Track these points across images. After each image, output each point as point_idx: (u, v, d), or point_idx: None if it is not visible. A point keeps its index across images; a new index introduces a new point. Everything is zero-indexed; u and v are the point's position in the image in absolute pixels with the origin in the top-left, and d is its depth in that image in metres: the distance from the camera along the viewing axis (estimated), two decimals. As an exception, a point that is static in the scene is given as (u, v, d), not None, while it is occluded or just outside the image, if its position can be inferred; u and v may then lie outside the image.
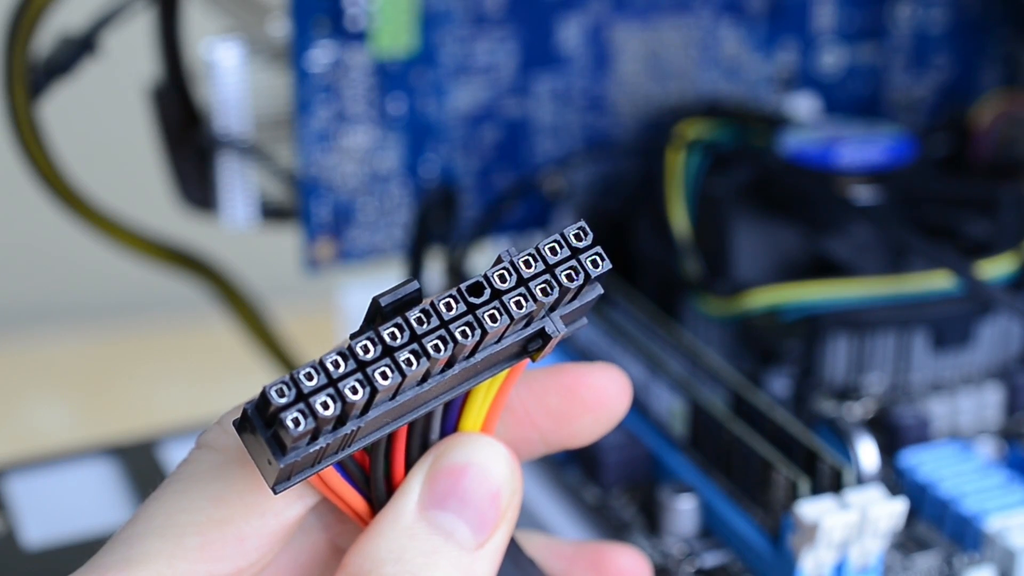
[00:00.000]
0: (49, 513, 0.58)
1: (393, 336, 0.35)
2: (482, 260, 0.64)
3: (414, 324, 0.35)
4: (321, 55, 0.60)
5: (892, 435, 0.54)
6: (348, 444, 0.36)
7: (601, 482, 0.55)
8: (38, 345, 1.55)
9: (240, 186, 0.62)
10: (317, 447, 0.35)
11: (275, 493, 0.36)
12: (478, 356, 0.36)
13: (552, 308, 0.37)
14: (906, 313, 0.56)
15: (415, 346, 0.35)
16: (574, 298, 0.37)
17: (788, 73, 0.68)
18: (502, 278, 0.36)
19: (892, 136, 0.61)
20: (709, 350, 0.58)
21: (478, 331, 0.35)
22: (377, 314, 0.36)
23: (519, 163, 0.65)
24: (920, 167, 0.61)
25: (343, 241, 0.63)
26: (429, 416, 0.39)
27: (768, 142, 0.62)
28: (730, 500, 0.52)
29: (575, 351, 0.60)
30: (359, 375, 0.34)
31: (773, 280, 0.57)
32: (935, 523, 0.51)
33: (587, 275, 0.36)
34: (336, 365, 0.34)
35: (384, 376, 0.35)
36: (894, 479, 0.53)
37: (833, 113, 0.69)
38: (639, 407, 0.56)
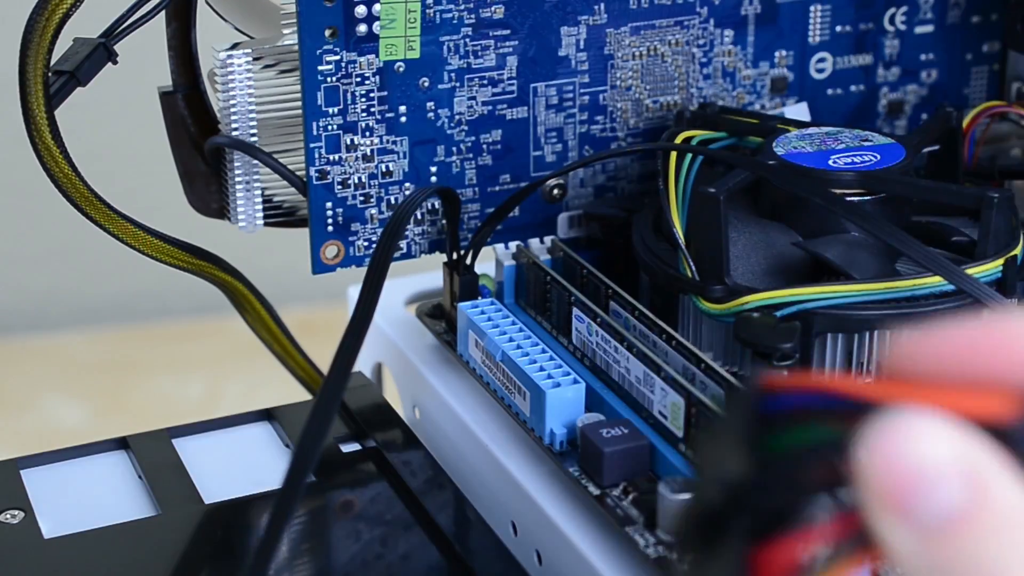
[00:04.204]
0: (66, 505, 0.60)
1: None
2: (482, 264, 0.65)
3: None
4: (329, 60, 0.61)
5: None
6: None
7: (601, 479, 0.55)
8: (56, 342, 1.56)
9: (249, 189, 0.63)
10: None
11: None
12: None
13: None
14: (899, 316, 0.57)
15: None
16: None
17: (782, 81, 0.69)
18: None
19: (883, 142, 0.62)
20: (708, 350, 0.59)
21: None
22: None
23: (520, 167, 0.67)
24: (910, 172, 0.62)
25: (350, 243, 0.65)
26: None
27: (762, 148, 0.63)
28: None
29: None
30: None
31: (767, 283, 0.58)
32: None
33: None
34: None
35: None
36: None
37: (825, 120, 0.69)
38: (639, 406, 0.57)
